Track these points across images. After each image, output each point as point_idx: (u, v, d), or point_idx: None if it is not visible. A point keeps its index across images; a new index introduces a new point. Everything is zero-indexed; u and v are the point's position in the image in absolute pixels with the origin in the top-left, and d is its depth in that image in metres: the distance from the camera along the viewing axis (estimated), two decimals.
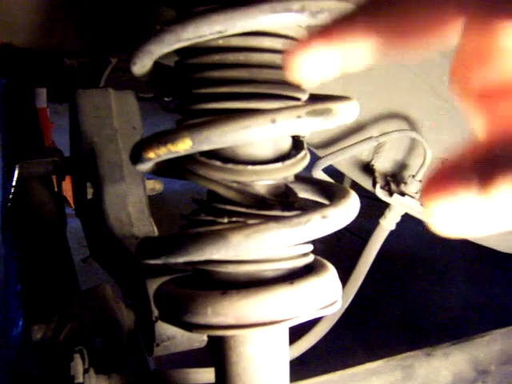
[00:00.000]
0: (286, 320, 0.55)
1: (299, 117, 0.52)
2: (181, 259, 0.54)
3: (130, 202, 1.20)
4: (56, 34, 1.17)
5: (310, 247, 0.62)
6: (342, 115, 0.56)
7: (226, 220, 0.57)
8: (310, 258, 0.62)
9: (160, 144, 0.53)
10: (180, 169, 0.61)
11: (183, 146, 0.52)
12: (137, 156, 0.57)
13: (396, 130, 0.92)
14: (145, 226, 1.19)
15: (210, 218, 0.58)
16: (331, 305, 0.60)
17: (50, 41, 1.20)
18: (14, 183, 1.31)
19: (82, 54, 1.45)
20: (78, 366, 0.76)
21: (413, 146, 0.98)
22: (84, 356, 0.78)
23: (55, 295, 1.03)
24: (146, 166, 0.60)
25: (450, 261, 2.84)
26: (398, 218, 1.00)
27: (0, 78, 2.18)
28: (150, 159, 0.55)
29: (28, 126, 1.82)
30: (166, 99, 4.83)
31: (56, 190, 1.44)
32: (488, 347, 1.02)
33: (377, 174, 0.97)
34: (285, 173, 0.59)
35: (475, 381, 1.01)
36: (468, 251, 2.81)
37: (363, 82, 0.85)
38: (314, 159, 0.92)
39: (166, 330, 0.87)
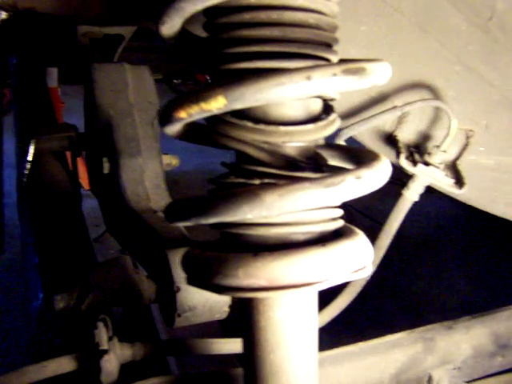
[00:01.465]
0: (319, 282, 0.55)
1: (334, 75, 0.51)
2: (213, 220, 0.54)
3: (147, 177, 1.20)
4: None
5: (341, 212, 0.61)
6: (376, 75, 0.55)
7: (257, 181, 0.56)
8: (340, 223, 0.62)
9: (192, 102, 0.52)
10: (208, 132, 0.61)
11: (216, 105, 0.51)
12: (166, 116, 0.56)
13: (421, 100, 0.90)
14: (162, 200, 1.19)
15: (241, 180, 0.57)
16: (362, 269, 0.59)
17: (72, 7, 1.19)
18: (29, 158, 1.31)
19: (105, 21, 1.44)
20: (102, 333, 0.76)
21: (436, 116, 0.96)
22: (108, 324, 0.78)
23: (74, 267, 1.03)
24: (175, 128, 0.59)
25: (457, 243, 2.84)
26: (422, 190, 0.99)
27: (11, 56, 2.17)
28: (180, 119, 0.54)
29: (40, 104, 1.81)
30: (175, 81, 4.82)
31: (70, 165, 1.44)
32: (509, 321, 1.02)
33: (400, 145, 0.96)
34: (316, 135, 0.58)
35: (495, 354, 1.01)
36: (474, 233, 2.81)
37: (388, 50, 0.83)
38: (336, 130, 0.91)
39: (187, 300, 0.87)
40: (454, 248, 2.86)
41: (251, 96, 0.51)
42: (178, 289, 0.86)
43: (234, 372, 0.76)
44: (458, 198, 1.07)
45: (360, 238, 0.59)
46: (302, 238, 0.58)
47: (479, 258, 2.77)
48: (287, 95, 0.51)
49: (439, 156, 0.95)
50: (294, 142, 0.57)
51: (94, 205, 1.88)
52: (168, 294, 0.88)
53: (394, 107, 0.92)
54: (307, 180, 0.53)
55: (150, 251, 0.98)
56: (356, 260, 0.57)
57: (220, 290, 0.56)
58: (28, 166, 1.33)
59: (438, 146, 0.94)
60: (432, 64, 0.87)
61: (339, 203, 0.55)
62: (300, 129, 0.57)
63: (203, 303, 0.88)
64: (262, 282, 0.54)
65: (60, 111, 2.49)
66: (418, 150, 0.98)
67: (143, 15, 1.40)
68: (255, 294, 0.55)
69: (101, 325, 0.77)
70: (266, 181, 0.56)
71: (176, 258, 0.88)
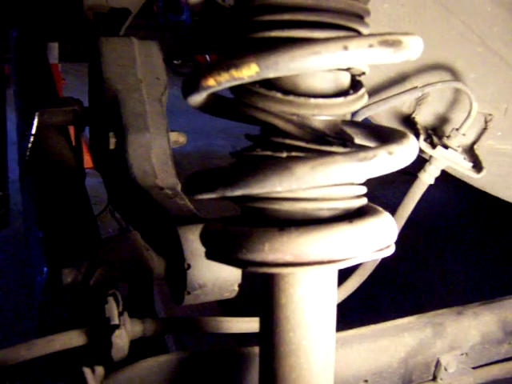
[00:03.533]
0: (345, 259, 0.54)
1: (371, 46, 0.50)
2: (239, 192, 0.52)
3: (154, 153, 1.18)
4: None
5: (365, 189, 0.60)
6: (411, 49, 0.53)
7: (284, 154, 0.55)
8: (365, 201, 0.60)
9: (222, 70, 0.51)
10: (233, 104, 0.59)
11: (248, 72, 0.50)
12: (192, 85, 0.54)
13: (442, 81, 0.89)
14: (169, 177, 1.17)
15: (268, 153, 0.56)
16: (387, 247, 0.58)
17: None
18: (33, 131, 1.28)
19: None
20: (112, 308, 0.75)
21: (455, 99, 0.95)
22: (118, 299, 0.76)
23: (80, 242, 1.02)
24: (200, 98, 0.57)
25: (460, 234, 2.84)
26: (438, 173, 0.97)
27: (12, 30, 2.13)
28: (208, 87, 0.53)
29: (42, 79, 1.78)
30: (175, 62, 4.77)
31: (74, 140, 1.42)
32: None
33: (419, 127, 0.95)
34: (346, 108, 0.57)
35: (502, 342, 1.01)
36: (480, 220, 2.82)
37: (410, 29, 0.81)
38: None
39: (197, 278, 0.86)
40: (457, 238, 2.87)
41: (285, 64, 0.49)
42: (189, 266, 0.85)
43: (247, 350, 0.75)
44: (472, 183, 1.06)
45: (385, 216, 0.58)
46: (328, 214, 0.56)
47: (482, 249, 2.78)
48: (322, 65, 0.49)
49: (458, 139, 0.94)
50: (324, 115, 0.56)
51: (94, 183, 1.87)
52: (178, 271, 0.87)
53: (414, 88, 0.91)
54: (339, 154, 0.51)
55: (159, 228, 0.96)
56: (382, 238, 0.56)
57: (243, 264, 0.55)
58: (31, 139, 1.30)
59: (457, 129, 0.93)
60: (454, 45, 0.86)
61: (370, 178, 0.53)
62: (330, 102, 0.55)
63: (213, 281, 0.87)
64: (288, 258, 0.52)
65: (60, 88, 2.46)
66: (436, 133, 0.97)
67: None
68: (280, 269, 0.53)
69: (111, 299, 0.76)
70: (294, 154, 0.55)
71: (187, 234, 0.87)
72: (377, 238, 0.55)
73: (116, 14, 1.69)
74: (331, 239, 0.53)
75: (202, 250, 0.85)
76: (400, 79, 0.93)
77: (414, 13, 0.81)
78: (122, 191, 1.18)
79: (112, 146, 1.20)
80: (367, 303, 2.18)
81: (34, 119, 1.28)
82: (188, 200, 1.08)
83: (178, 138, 1.28)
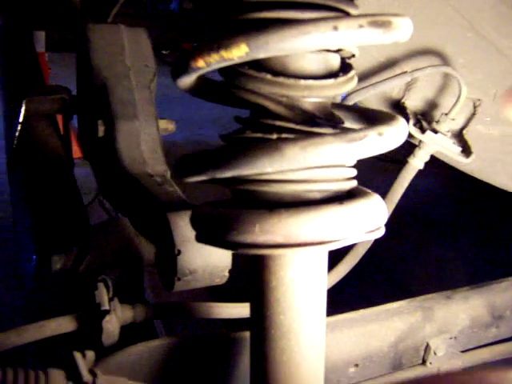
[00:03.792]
0: (336, 241, 0.54)
1: (361, 26, 0.50)
2: (229, 173, 0.52)
3: (143, 141, 1.17)
4: None
5: (355, 172, 0.60)
6: (401, 30, 0.53)
7: (274, 136, 0.55)
8: (355, 183, 0.60)
9: (212, 50, 0.50)
10: (223, 87, 0.59)
11: (238, 53, 0.49)
12: (182, 66, 0.54)
13: (431, 66, 0.89)
14: (158, 164, 1.16)
15: (258, 135, 0.55)
16: (377, 229, 0.58)
17: None
18: (20, 120, 1.27)
19: None
20: (103, 294, 0.74)
21: (445, 84, 0.95)
22: (108, 285, 0.76)
23: (69, 229, 1.01)
24: (189, 80, 0.57)
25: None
26: (427, 157, 0.98)
27: None
28: (198, 68, 0.52)
29: (29, 67, 1.76)
30: (163, 52, 4.74)
31: (62, 129, 1.41)
32: (504, 293, 1.02)
33: (408, 112, 0.95)
34: (336, 90, 0.57)
35: (490, 325, 1.02)
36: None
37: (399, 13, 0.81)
38: (344, 95, 0.89)
39: (188, 264, 0.86)
40: (442, 225, 2.88)
41: (275, 44, 0.49)
42: (179, 252, 0.84)
43: (238, 335, 0.75)
44: (461, 169, 1.07)
45: (375, 198, 0.58)
46: (318, 195, 0.57)
47: (467, 238, 2.80)
48: (312, 45, 0.49)
49: (447, 124, 0.94)
50: (313, 96, 0.56)
51: (82, 173, 1.85)
52: (168, 257, 0.87)
53: (404, 72, 0.91)
54: (329, 135, 0.51)
55: (149, 215, 0.96)
56: (372, 220, 0.56)
57: (234, 246, 0.55)
58: (19, 128, 1.29)
59: (446, 114, 0.93)
60: (444, 29, 0.86)
61: (360, 159, 0.53)
62: (320, 83, 0.55)
63: (203, 267, 0.87)
64: (279, 239, 0.52)
65: (47, 77, 2.43)
66: (425, 118, 0.97)
67: None
68: (271, 250, 0.53)
69: (101, 285, 0.76)
70: (284, 136, 0.55)
71: (177, 220, 0.87)
72: (367, 220, 0.56)
73: (104, 1, 1.68)
74: (321, 220, 0.53)
75: (192, 235, 0.85)
76: (389, 64, 0.93)
77: None
78: (111, 179, 1.17)
79: (101, 134, 1.19)
80: (357, 290, 2.19)
81: (21, 107, 1.27)
82: (178, 187, 1.07)
83: (167, 125, 1.27)
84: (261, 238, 0.53)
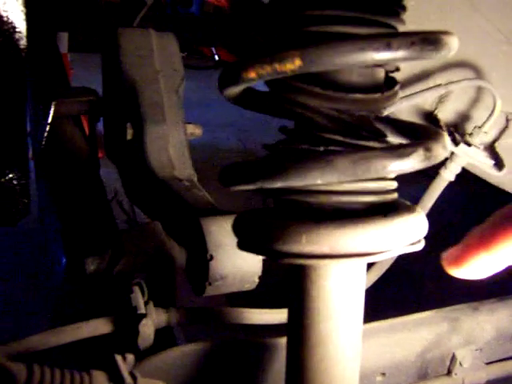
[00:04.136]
0: (379, 253, 0.54)
1: (413, 43, 0.50)
2: (279, 184, 0.53)
3: (171, 144, 1.18)
4: None
5: (396, 184, 0.61)
6: (449, 47, 0.53)
7: (321, 148, 0.55)
8: (396, 196, 0.61)
9: (265, 62, 0.51)
10: (269, 98, 0.60)
11: (291, 66, 0.50)
12: (232, 77, 0.55)
13: (466, 79, 0.90)
14: (186, 168, 1.18)
15: (305, 147, 0.56)
16: (418, 242, 0.59)
17: None
18: (49, 121, 1.29)
19: None
20: (138, 297, 0.75)
21: (477, 97, 0.96)
22: (143, 288, 0.77)
23: (98, 232, 1.02)
24: (237, 90, 0.58)
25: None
26: (459, 170, 0.98)
27: None
28: (249, 80, 0.53)
29: (55, 69, 1.77)
30: (181, 54, 4.75)
31: (89, 130, 1.42)
32: None
33: (441, 124, 0.95)
34: (382, 104, 0.57)
35: None
36: None
37: (435, 27, 0.82)
38: None
39: (219, 269, 0.87)
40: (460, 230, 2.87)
41: (328, 59, 0.49)
42: (211, 257, 0.85)
43: (272, 341, 0.76)
44: (490, 181, 1.07)
45: (417, 211, 0.59)
46: (361, 207, 0.57)
47: None
48: (365, 61, 0.50)
49: (480, 137, 0.95)
50: (360, 110, 0.57)
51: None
52: (200, 262, 0.87)
53: (439, 85, 0.91)
54: (378, 149, 0.52)
55: (179, 219, 0.97)
56: (413, 232, 0.57)
57: (279, 256, 0.55)
58: (47, 129, 1.31)
59: (479, 127, 0.94)
60: (478, 43, 0.86)
61: (407, 173, 0.54)
62: (367, 97, 0.56)
63: (234, 273, 0.88)
64: (325, 249, 0.53)
65: (69, 78, 2.45)
66: (457, 130, 0.98)
67: None
68: (317, 261, 0.54)
69: (137, 289, 0.77)
70: (331, 148, 0.55)
71: (209, 226, 0.88)
72: (409, 233, 0.56)
73: (129, 4, 1.69)
74: (366, 232, 0.53)
75: (224, 241, 0.86)
76: (424, 76, 0.94)
77: (439, 10, 0.82)
78: (139, 182, 1.18)
79: (129, 137, 1.20)
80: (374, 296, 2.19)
81: (50, 109, 1.29)
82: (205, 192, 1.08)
83: (195, 129, 1.28)
84: (307, 248, 0.54)
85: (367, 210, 0.58)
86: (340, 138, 0.55)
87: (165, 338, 1.02)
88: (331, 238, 0.53)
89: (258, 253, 0.58)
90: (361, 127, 0.57)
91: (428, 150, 0.53)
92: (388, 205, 0.59)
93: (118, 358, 0.62)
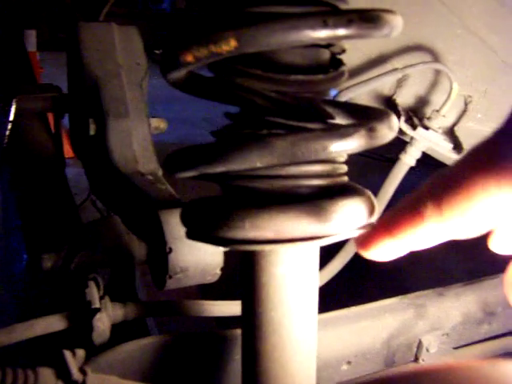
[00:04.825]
0: (327, 236, 0.54)
1: (350, 21, 0.49)
2: (220, 169, 0.52)
3: (135, 139, 1.17)
4: None
5: (346, 168, 0.60)
6: (391, 26, 0.53)
7: (265, 131, 0.54)
8: (345, 179, 0.60)
9: (200, 45, 0.50)
10: (212, 82, 0.58)
11: (227, 47, 0.49)
12: (171, 61, 0.54)
13: (422, 62, 0.89)
14: (149, 163, 1.16)
15: (248, 131, 0.55)
16: (368, 225, 0.58)
17: None
18: (11, 118, 1.26)
19: None
20: (93, 292, 0.74)
21: (435, 80, 0.95)
22: (99, 283, 0.76)
23: (60, 228, 1.00)
24: (179, 75, 0.56)
25: None
26: (419, 154, 0.98)
27: None
28: (187, 63, 0.52)
29: (20, 66, 1.75)
30: (156, 51, 4.73)
31: (53, 127, 1.40)
32: (496, 290, 1.02)
33: (399, 108, 0.95)
34: (326, 85, 0.56)
35: (482, 322, 1.02)
36: None
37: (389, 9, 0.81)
38: (335, 92, 0.89)
39: (179, 262, 0.85)
40: None
41: (264, 39, 0.48)
42: (171, 250, 0.84)
43: (229, 332, 0.75)
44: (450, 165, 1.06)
45: (366, 194, 0.58)
46: (308, 191, 0.56)
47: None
48: (301, 40, 0.49)
49: (438, 120, 0.94)
50: (303, 92, 0.56)
51: (74, 173, 1.84)
52: (159, 255, 0.86)
53: (395, 69, 0.91)
54: (319, 129, 0.51)
55: (140, 213, 0.95)
56: (363, 215, 0.56)
57: (224, 242, 0.54)
58: (9, 126, 1.28)
59: (437, 111, 0.94)
60: (434, 26, 0.86)
61: (351, 154, 0.53)
62: (310, 78, 0.55)
63: (195, 265, 0.87)
64: (269, 234, 0.52)
65: (39, 76, 2.42)
66: (416, 115, 0.97)
67: None
68: (261, 246, 0.53)
69: (92, 283, 0.75)
70: (275, 131, 0.54)
71: (168, 218, 0.86)
72: (358, 216, 0.55)
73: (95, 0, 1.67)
74: (312, 216, 0.52)
75: (183, 233, 0.84)
76: (380, 61, 0.93)
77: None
78: (103, 177, 1.17)
79: (92, 132, 1.19)
80: (350, 288, 2.19)
81: (11, 105, 1.26)
82: (169, 185, 1.07)
83: (159, 123, 1.27)
84: (251, 234, 0.52)
85: (314, 193, 0.57)
86: (282, 121, 0.54)
87: (139, 332, 1.01)
88: (275, 223, 0.52)
89: (204, 241, 0.57)
90: (304, 109, 0.56)
91: (372, 129, 0.52)
92: (336, 188, 0.59)
93: (67, 353, 0.60)
